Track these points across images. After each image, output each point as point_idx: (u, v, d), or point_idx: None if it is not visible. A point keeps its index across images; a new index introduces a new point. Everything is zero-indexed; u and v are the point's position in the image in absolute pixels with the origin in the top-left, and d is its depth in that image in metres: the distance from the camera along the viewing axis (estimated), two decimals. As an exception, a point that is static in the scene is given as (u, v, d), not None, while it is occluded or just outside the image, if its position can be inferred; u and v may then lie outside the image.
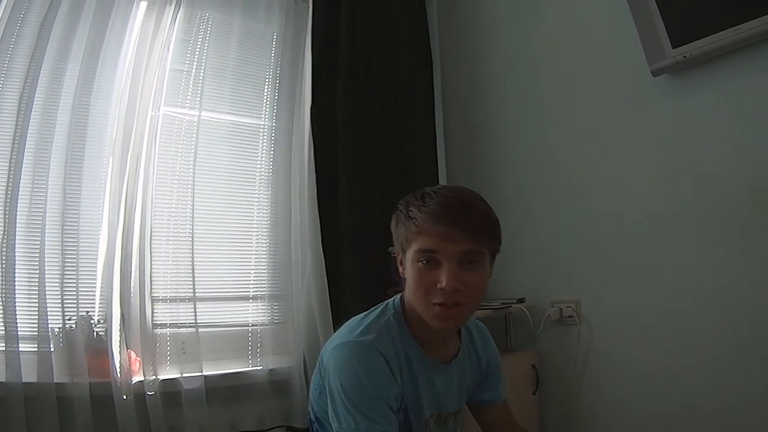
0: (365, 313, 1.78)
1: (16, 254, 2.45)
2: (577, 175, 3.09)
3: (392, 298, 1.82)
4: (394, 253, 1.81)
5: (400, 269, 1.76)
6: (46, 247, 2.51)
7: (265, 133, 3.17)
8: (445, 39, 3.68)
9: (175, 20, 2.92)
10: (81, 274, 2.60)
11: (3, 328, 2.40)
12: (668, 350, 2.73)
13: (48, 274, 2.50)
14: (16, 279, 2.44)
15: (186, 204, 2.85)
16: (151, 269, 2.72)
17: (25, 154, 2.50)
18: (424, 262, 1.63)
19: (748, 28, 2.42)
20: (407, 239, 1.68)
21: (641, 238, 2.84)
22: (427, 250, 1.62)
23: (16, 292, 2.44)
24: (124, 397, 2.54)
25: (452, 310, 1.63)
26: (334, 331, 1.86)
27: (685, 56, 2.60)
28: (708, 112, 2.66)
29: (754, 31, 2.41)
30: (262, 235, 3.11)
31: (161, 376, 2.65)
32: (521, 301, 3.11)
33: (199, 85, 2.95)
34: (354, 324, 1.74)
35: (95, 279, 2.66)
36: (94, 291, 2.66)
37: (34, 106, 2.54)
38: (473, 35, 3.61)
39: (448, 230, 1.60)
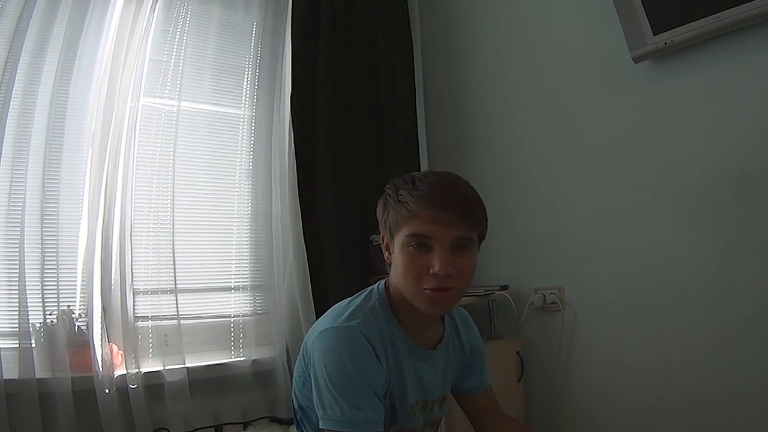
0: (350, 298, 1.77)
1: (-5, 249, 2.43)
2: (559, 161, 3.10)
3: (376, 284, 1.81)
4: (376, 241, 1.81)
5: (386, 254, 1.75)
6: (25, 241, 2.48)
7: (245, 123, 3.14)
8: (426, 26, 3.66)
9: (154, 10, 2.89)
10: (61, 268, 2.58)
11: (-17, 325, 2.37)
12: (652, 335, 2.74)
13: (28, 268, 2.47)
14: (-5, 274, 2.41)
15: (166, 195, 2.83)
16: (131, 261, 2.70)
17: (3, 147, 2.47)
18: (415, 246, 1.62)
19: (728, 16, 2.44)
20: (397, 223, 1.66)
21: (623, 224, 2.85)
22: (420, 234, 1.61)
23: (-4, 287, 2.41)
24: (107, 391, 2.52)
25: (444, 294, 1.62)
26: (317, 320, 1.85)
27: (666, 43, 2.61)
28: (689, 98, 2.67)
29: (735, 18, 2.43)
30: (243, 226, 3.09)
31: (143, 369, 2.63)
32: (504, 288, 3.12)
33: (179, 75, 2.93)
34: (339, 310, 1.72)
35: (76, 273, 2.63)
36: (75, 285, 2.63)
37: (12, 98, 2.51)
38: (454, 23, 3.59)
39: (440, 215, 1.59)
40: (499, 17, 3.40)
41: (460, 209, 1.61)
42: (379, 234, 1.78)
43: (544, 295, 3.07)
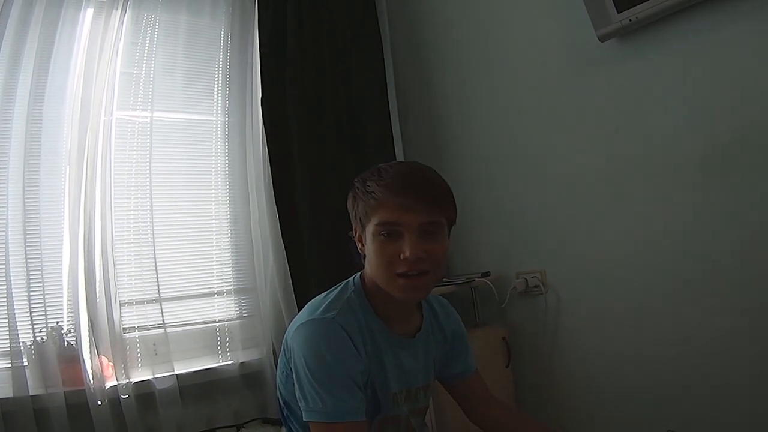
0: (326, 292, 1.80)
1: (-20, 272, 2.46)
2: (532, 144, 3.11)
3: (352, 276, 1.83)
4: (353, 237, 1.83)
5: (359, 246, 1.78)
6: (10, 261, 2.50)
7: (219, 129, 3.16)
8: (394, 19, 3.68)
9: (123, 24, 2.90)
10: (47, 285, 2.60)
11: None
12: (634, 311, 2.77)
13: (15, 288, 2.49)
14: (-18, 297, 2.44)
15: (145, 206, 2.85)
16: (115, 273, 2.72)
17: (-19, 169, 2.49)
18: (385, 235, 1.65)
19: (691, -12, 2.44)
20: (366, 214, 1.69)
21: (598, 203, 2.88)
22: (388, 222, 1.64)
23: (-15, 310, 2.44)
24: (99, 403, 2.54)
25: (418, 280, 1.65)
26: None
27: (630, 20, 2.62)
28: (657, 73, 2.68)
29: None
30: (222, 231, 3.11)
31: (134, 379, 2.66)
32: (486, 274, 3.13)
33: (150, 86, 2.94)
34: (316, 303, 1.75)
35: (61, 288, 2.66)
36: (62, 300, 2.66)
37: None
38: (421, 15, 3.62)
39: (407, 201, 1.62)
40: (466, 3, 3.40)
41: (425, 194, 1.65)
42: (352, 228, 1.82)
43: (526, 279, 3.08)
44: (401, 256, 1.62)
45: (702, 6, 2.51)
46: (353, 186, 1.77)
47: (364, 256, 1.76)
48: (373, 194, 1.66)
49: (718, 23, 2.50)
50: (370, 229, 1.68)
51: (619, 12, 2.65)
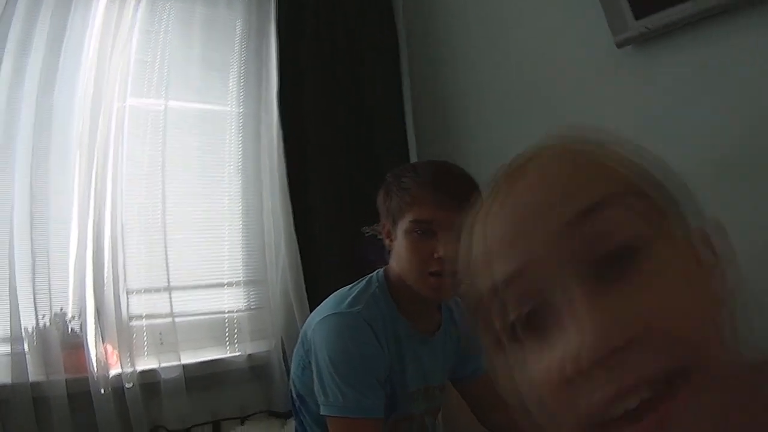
0: (350, 286, 1.80)
1: (-16, 255, 2.42)
2: (545, 149, 3.08)
3: (375, 272, 1.83)
4: (367, 232, 1.83)
5: (387, 241, 1.78)
6: (15, 244, 2.47)
7: (233, 120, 3.14)
8: (410, 14, 3.66)
9: (137, 11, 2.87)
10: (53, 270, 2.56)
11: (-26, 332, 2.36)
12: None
13: (19, 272, 2.46)
14: (-15, 280, 2.41)
15: (156, 194, 2.82)
16: (124, 261, 2.69)
17: (-11, 151, 2.46)
18: (419, 232, 1.66)
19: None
20: (400, 210, 1.70)
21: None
22: (423, 220, 1.65)
23: (-14, 293, 2.40)
24: (102, 391, 2.51)
25: (449, 280, 1.65)
26: (311, 313, 1.87)
27: (647, 27, 2.61)
28: (672, 82, 2.66)
29: (714, 2, 2.42)
30: (234, 222, 3.09)
31: (139, 368, 2.63)
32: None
33: (164, 74, 2.92)
34: (340, 296, 1.75)
35: (68, 274, 2.62)
36: (67, 286, 2.62)
37: (-5, 103, 2.49)
38: (438, 8, 3.61)
39: (443, 200, 1.63)
40: (482, 9, 3.39)
41: (461, 194, 1.63)
42: (373, 224, 1.82)
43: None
44: (435, 255, 1.62)
45: (721, 16, 2.48)
46: (386, 181, 1.78)
47: (390, 251, 1.77)
48: (409, 191, 1.66)
49: (735, 33, 2.48)
50: (402, 225, 1.68)
51: (636, 19, 2.64)
